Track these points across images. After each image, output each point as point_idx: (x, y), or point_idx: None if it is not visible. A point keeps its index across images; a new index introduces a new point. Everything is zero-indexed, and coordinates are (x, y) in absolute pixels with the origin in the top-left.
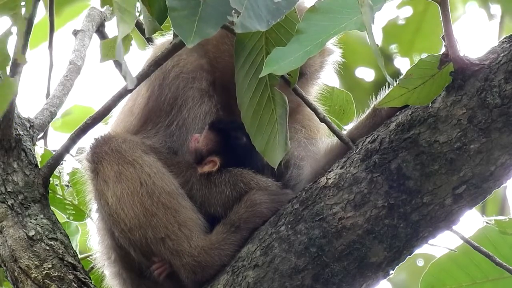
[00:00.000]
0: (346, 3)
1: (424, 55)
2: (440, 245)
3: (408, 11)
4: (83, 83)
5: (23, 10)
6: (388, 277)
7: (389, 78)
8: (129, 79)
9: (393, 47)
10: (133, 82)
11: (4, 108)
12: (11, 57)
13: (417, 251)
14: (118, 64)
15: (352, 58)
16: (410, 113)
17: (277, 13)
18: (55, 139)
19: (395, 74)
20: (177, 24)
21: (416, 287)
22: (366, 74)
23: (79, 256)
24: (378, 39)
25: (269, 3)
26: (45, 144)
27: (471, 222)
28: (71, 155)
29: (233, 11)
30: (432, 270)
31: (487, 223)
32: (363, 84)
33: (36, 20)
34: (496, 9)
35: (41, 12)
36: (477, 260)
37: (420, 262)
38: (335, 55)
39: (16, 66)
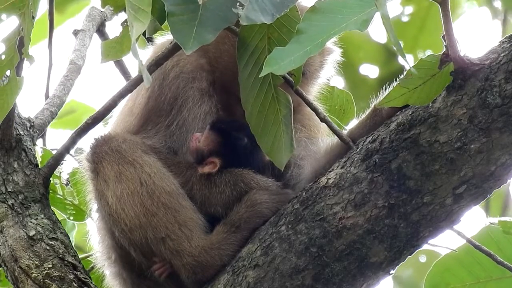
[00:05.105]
0: (346, 3)
1: (428, 52)
2: (441, 245)
3: (412, 7)
4: (83, 83)
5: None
6: (389, 276)
7: (413, 69)
8: (145, 77)
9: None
10: (149, 80)
11: (10, 107)
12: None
13: None
14: (119, 64)
15: (357, 55)
16: (410, 113)
17: (281, 6)
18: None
19: (399, 70)
20: (176, 29)
21: (419, 283)
22: (370, 71)
23: (80, 256)
24: (383, 36)
25: None
26: (44, 144)
27: (475, 220)
28: (71, 155)
29: (238, 4)
30: (436, 269)
31: (491, 223)
32: (367, 81)
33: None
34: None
35: (41, 9)
36: (480, 259)
37: (423, 258)
38: (335, 55)
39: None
